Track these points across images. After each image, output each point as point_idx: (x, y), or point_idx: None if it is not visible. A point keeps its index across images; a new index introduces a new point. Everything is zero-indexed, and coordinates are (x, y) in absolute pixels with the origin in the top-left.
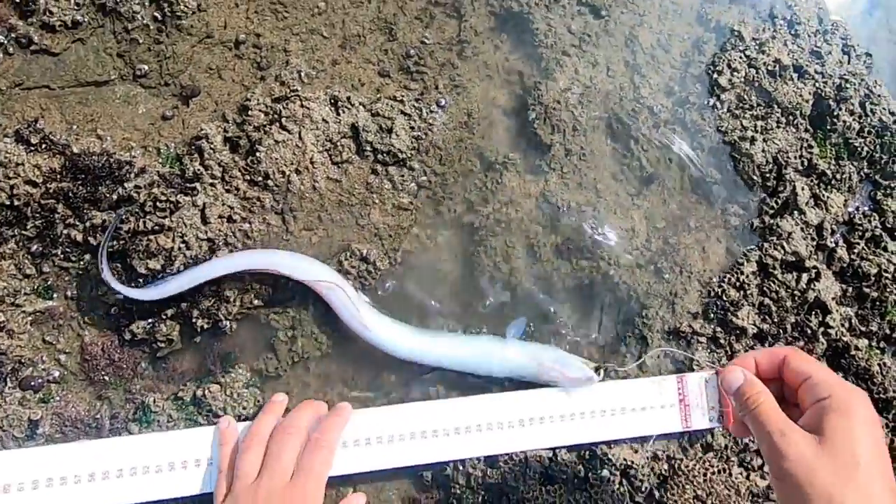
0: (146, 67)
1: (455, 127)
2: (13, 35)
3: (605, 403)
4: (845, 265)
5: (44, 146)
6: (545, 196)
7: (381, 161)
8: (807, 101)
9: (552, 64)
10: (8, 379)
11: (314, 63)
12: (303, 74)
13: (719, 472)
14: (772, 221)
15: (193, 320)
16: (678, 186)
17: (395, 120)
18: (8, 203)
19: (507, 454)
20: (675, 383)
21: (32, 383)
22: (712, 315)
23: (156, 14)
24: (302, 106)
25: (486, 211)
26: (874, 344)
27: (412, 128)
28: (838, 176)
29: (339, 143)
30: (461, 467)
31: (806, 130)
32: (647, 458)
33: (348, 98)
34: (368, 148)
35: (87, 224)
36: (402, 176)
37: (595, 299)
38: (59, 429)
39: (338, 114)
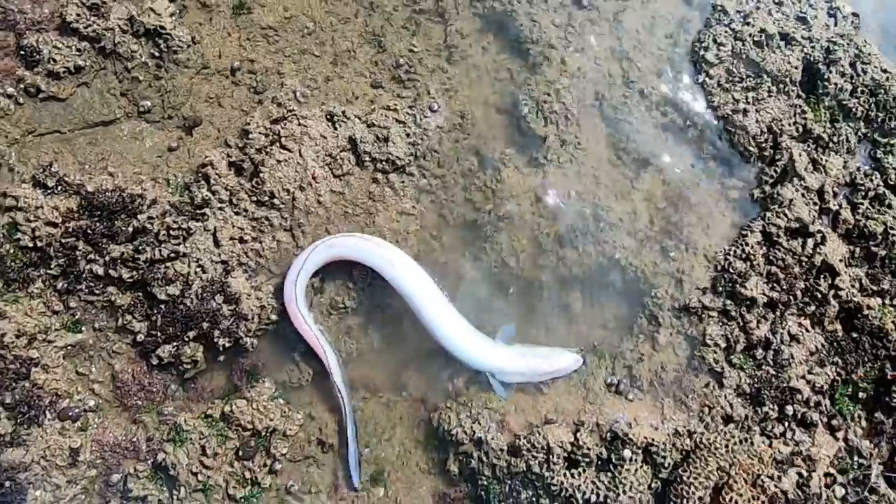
0: (149, 103)
1: (450, 129)
2: (22, 86)
3: None
4: (851, 226)
5: (60, 188)
6: (545, 187)
7: (381, 170)
8: (796, 68)
9: (539, 58)
10: (47, 411)
11: (308, 82)
12: (298, 94)
13: (741, 442)
14: (772, 190)
15: (215, 340)
16: (676, 165)
17: (391, 128)
18: (31, 245)
19: (529, 442)
20: None
21: (70, 414)
22: (721, 289)
23: (153, 51)
24: (300, 125)
25: (488, 207)
26: (887, 302)
27: (408, 134)
28: (835, 139)
29: (338, 157)
30: (485, 458)
31: (798, 97)
32: (669, 435)
33: (343, 112)
34: (367, 158)
35: (107, 258)
36: (403, 182)
37: (604, 283)
38: (100, 454)
39: (335, 128)
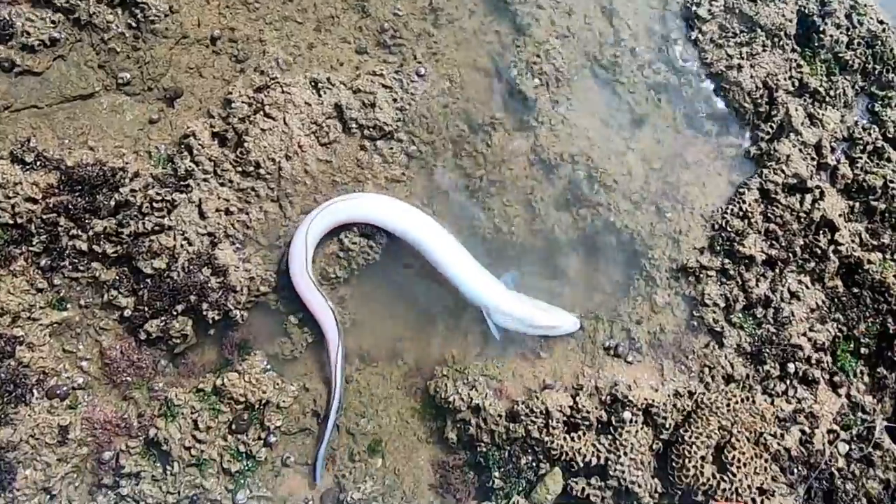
0: (128, 75)
1: (438, 94)
2: None
3: None
4: (849, 181)
5: (39, 163)
6: (536, 151)
7: (368, 136)
8: (790, 21)
9: (527, 19)
10: (34, 390)
11: (291, 49)
12: (281, 62)
13: (743, 400)
14: (769, 147)
15: (204, 313)
16: (671, 125)
17: (377, 94)
18: (11, 222)
19: (527, 407)
20: None
21: (58, 392)
22: (718, 248)
23: (129, 21)
24: (283, 92)
25: (480, 173)
26: (888, 256)
27: (395, 100)
28: (832, 92)
29: (324, 125)
30: (483, 425)
31: (793, 50)
32: (669, 396)
33: (328, 79)
34: (354, 125)
35: (91, 233)
36: (392, 148)
37: (600, 246)
38: (90, 432)
39: (319, 95)
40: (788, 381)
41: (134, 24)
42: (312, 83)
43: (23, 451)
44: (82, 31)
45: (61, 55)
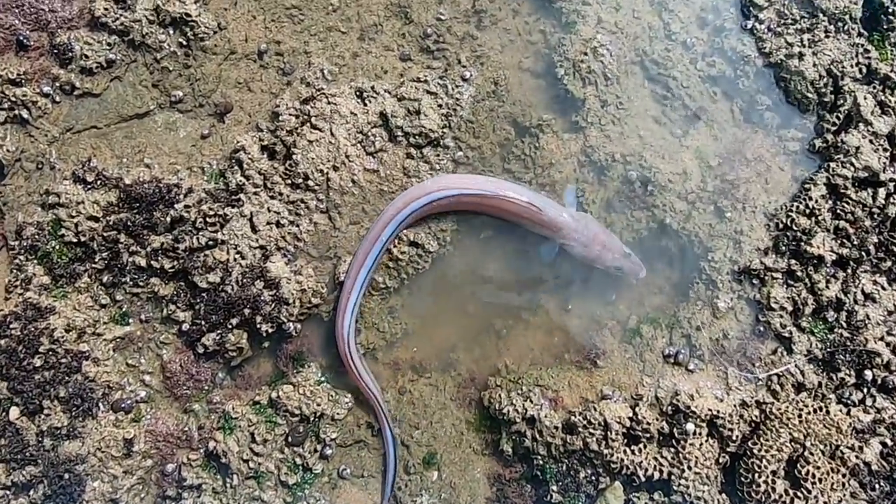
0: (180, 93)
1: (484, 98)
2: (57, 84)
3: None
4: None
5: (99, 182)
6: (586, 153)
7: (414, 144)
8: (855, 3)
9: (574, 16)
10: (100, 404)
11: (335, 60)
12: (326, 72)
13: (816, 411)
14: (835, 139)
15: (258, 326)
16: (728, 119)
17: (422, 101)
18: (75, 240)
19: (585, 418)
20: None
21: (123, 405)
22: (784, 248)
23: (180, 40)
24: (329, 103)
25: (529, 177)
26: None
27: (440, 105)
28: None
29: (370, 134)
30: (539, 437)
31: (860, 35)
32: (735, 406)
33: (372, 87)
34: (400, 133)
35: (149, 249)
36: (438, 155)
37: (656, 249)
38: (154, 444)
39: (365, 105)
40: (866, 390)
41: (184, 43)
42: (357, 93)
43: (90, 463)
44: (136, 51)
45: (117, 76)
